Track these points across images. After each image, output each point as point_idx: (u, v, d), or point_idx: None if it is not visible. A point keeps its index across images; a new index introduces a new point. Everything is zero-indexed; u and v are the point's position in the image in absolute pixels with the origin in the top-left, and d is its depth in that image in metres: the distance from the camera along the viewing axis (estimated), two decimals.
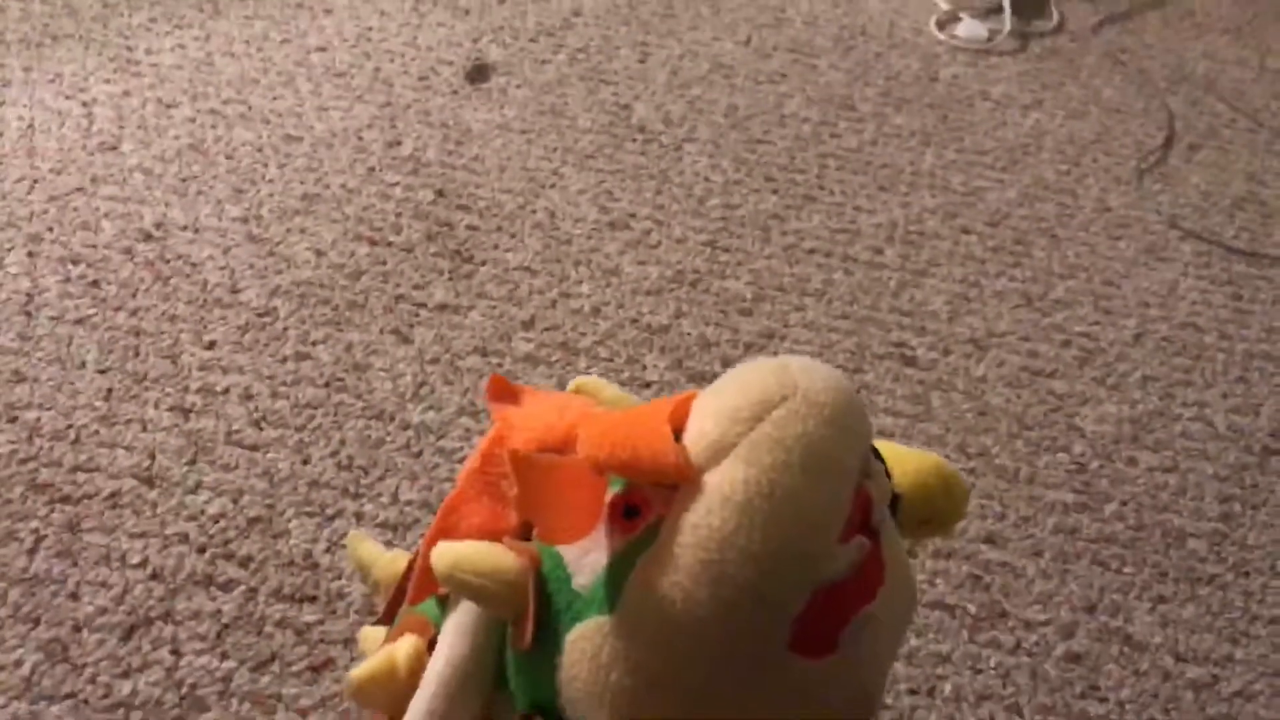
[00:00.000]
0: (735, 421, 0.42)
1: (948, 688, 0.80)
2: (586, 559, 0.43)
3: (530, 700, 0.46)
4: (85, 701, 0.72)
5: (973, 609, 0.85)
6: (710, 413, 0.43)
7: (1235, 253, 1.25)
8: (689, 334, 1.04)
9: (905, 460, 0.60)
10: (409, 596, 0.53)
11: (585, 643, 0.43)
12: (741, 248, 1.15)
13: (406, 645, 0.51)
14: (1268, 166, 1.38)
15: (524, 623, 0.45)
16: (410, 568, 0.53)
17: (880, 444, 0.60)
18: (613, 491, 0.43)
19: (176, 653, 0.75)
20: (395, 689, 0.50)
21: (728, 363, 1.01)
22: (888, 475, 0.57)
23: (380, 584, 0.61)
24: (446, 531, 0.49)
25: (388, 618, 0.54)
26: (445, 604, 0.51)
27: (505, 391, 0.48)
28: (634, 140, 1.26)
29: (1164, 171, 1.36)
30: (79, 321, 0.95)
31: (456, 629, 0.48)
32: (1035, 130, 1.38)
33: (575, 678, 0.44)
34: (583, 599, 0.43)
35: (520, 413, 0.46)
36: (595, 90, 1.33)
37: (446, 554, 0.45)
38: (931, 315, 1.10)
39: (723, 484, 0.40)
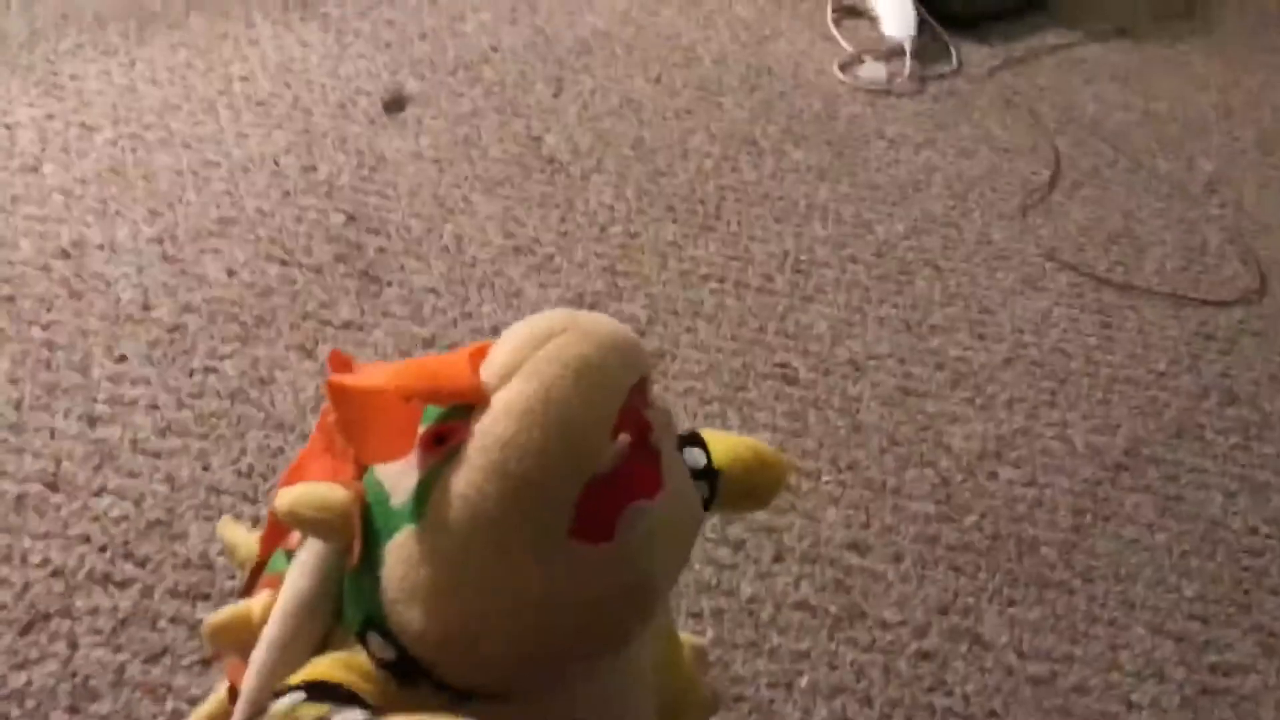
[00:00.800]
0: (520, 348, 0.49)
1: (804, 681, 0.86)
2: (403, 481, 0.50)
3: (363, 617, 0.52)
4: None
5: (833, 609, 0.91)
6: (501, 345, 0.50)
7: (1107, 284, 1.33)
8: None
9: (724, 441, 0.68)
10: (260, 552, 0.58)
11: (400, 550, 0.50)
12: (640, 273, 1.21)
13: (262, 595, 0.57)
14: (1144, 204, 1.47)
15: (352, 544, 0.51)
16: (264, 534, 0.59)
17: (705, 431, 0.68)
18: (425, 424, 0.50)
19: (73, 646, 0.79)
20: (249, 634, 0.55)
21: None
22: (706, 453, 0.65)
23: (246, 563, 0.66)
24: (293, 484, 0.55)
25: (249, 589, 0.59)
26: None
27: (343, 365, 0.54)
28: (543, 170, 1.32)
29: (1047, 207, 1.44)
30: None
31: (299, 567, 0.54)
32: (926, 167, 1.46)
33: (392, 582, 0.50)
34: (398, 514, 0.50)
35: (353, 376, 0.52)
36: (508, 122, 1.39)
37: (285, 495, 0.51)
38: (815, 338, 1.17)
39: (507, 397, 0.48)
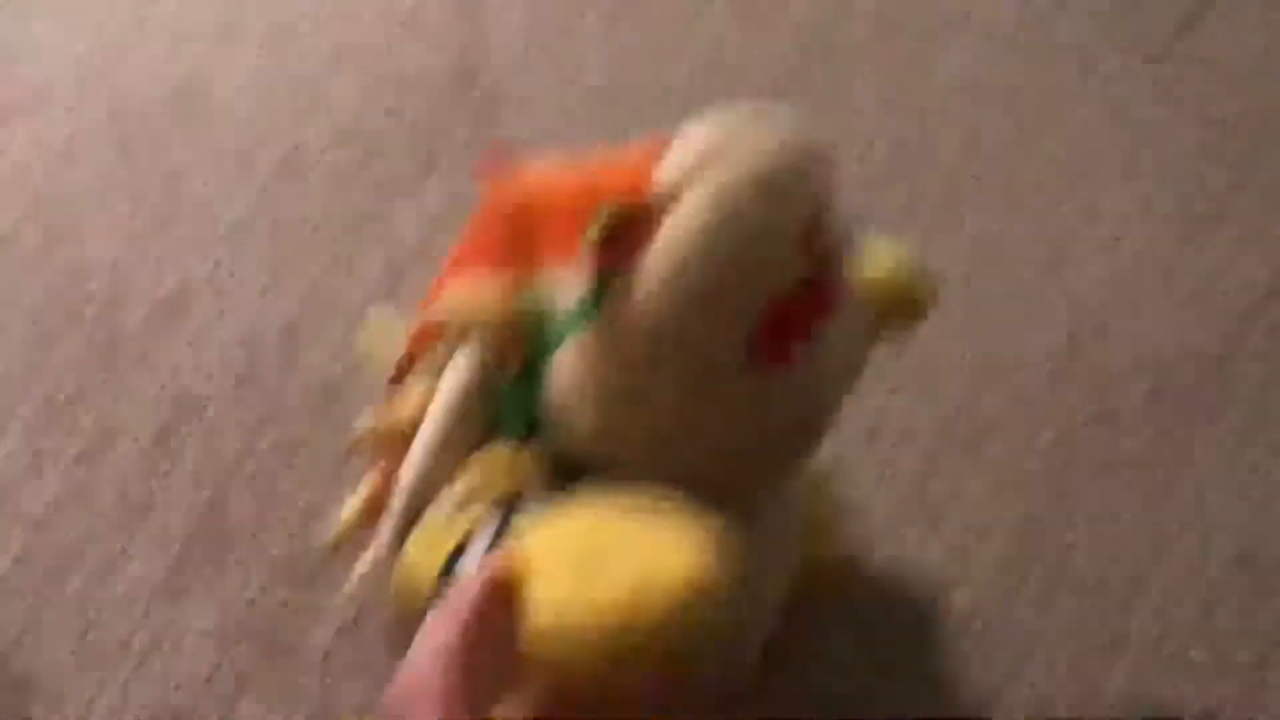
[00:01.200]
0: (701, 155, 0.46)
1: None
2: (572, 286, 0.48)
3: (523, 425, 0.52)
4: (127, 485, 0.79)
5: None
6: (678, 150, 0.47)
7: None
8: None
9: (878, 251, 0.64)
10: (410, 349, 0.58)
11: (569, 358, 0.48)
12: None
13: (411, 397, 0.56)
14: None
15: (514, 352, 0.50)
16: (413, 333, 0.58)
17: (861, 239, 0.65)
18: (592, 230, 0.47)
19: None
20: (399, 435, 0.55)
21: None
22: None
23: (389, 363, 0.65)
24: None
25: (398, 378, 0.59)
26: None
27: (504, 159, 0.52)
28: None
29: None
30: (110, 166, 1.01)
31: (453, 374, 0.53)
32: None
33: (561, 388, 0.49)
34: (565, 325, 0.48)
35: (514, 174, 0.51)
36: None
37: (444, 300, 0.51)
38: None
39: (686, 212, 0.45)
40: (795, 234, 0.46)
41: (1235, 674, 0.78)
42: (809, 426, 0.50)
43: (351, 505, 0.62)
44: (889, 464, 0.87)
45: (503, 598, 0.40)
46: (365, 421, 0.57)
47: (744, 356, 0.46)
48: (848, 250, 0.52)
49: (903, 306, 0.66)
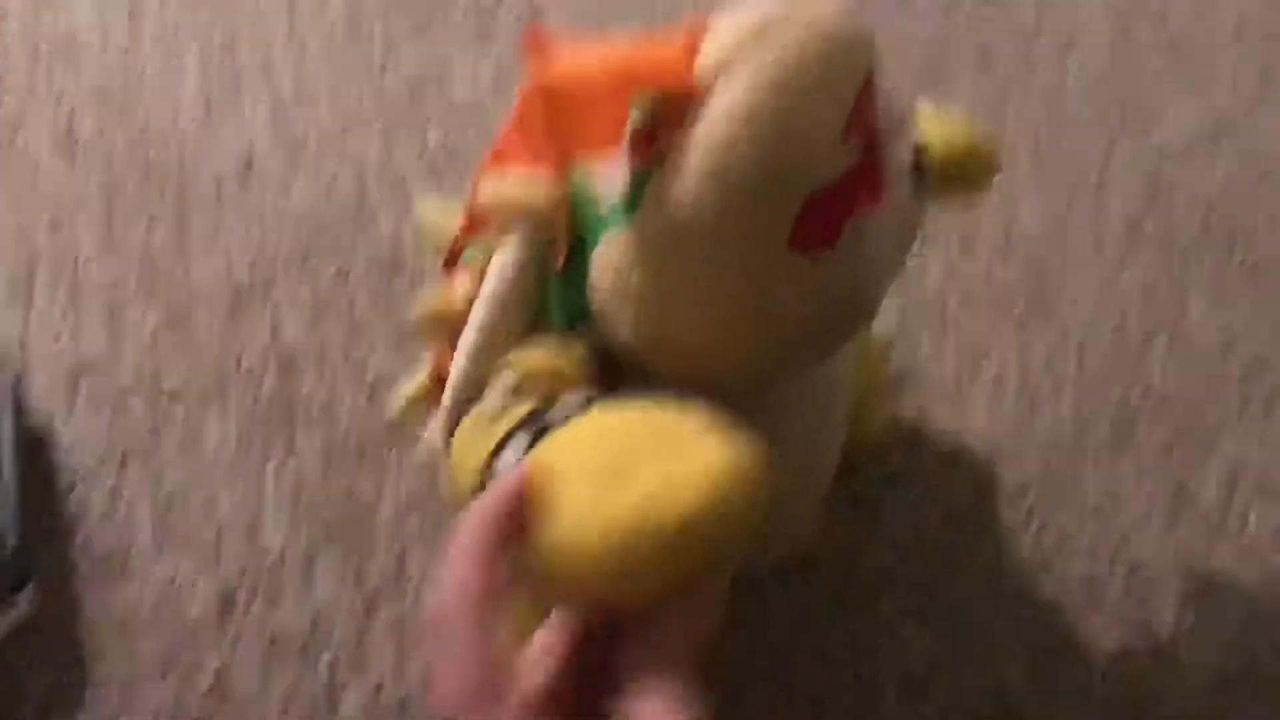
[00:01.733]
0: (740, 38, 0.44)
1: (993, 369, 0.84)
2: (611, 180, 0.47)
3: (568, 318, 0.52)
4: (202, 362, 0.81)
5: (1023, 301, 0.88)
6: (716, 34, 0.45)
7: None
8: None
9: (936, 121, 0.62)
10: (461, 234, 0.58)
11: (609, 254, 0.48)
12: None
13: (463, 282, 0.56)
14: None
15: (559, 243, 0.50)
16: (466, 220, 0.59)
17: (917, 109, 0.63)
18: (636, 121, 0.46)
19: (277, 324, 0.83)
20: (454, 319, 0.56)
21: None
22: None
23: (443, 246, 0.66)
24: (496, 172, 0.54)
25: (451, 263, 0.60)
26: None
27: (542, 43, 0.51)
28: None
29: None
30: (179, 26, 1.01)
31: (502, 258, 0.53)
32: None
33: (601, 287, 0.49)
34: (607, 217, 0.48)
35: (557, 63, 0.49)
36: None
37: (489, 186, 0.50)
38: (1019, 9, 1.08)
39: (725, 99, 0.43)
40: (840, 118, 0.44)
41: None
42: (856, 308, 0.50)
43: (411, 385, 0.63)
44: (951, 328, 0.86)
45: (521, 510, 0.40)
46: (419, 306, 0.57)
47: (787, 242, 0.45)
48: (900, 131, 0.51)
49: (964, 176, 0.64)
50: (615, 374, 0.52)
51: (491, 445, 0.47)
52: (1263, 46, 1.07)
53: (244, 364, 0.82)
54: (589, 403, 0.48)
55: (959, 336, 0.86)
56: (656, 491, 0.38)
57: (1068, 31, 1.07)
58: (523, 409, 0.48)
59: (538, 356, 0.51)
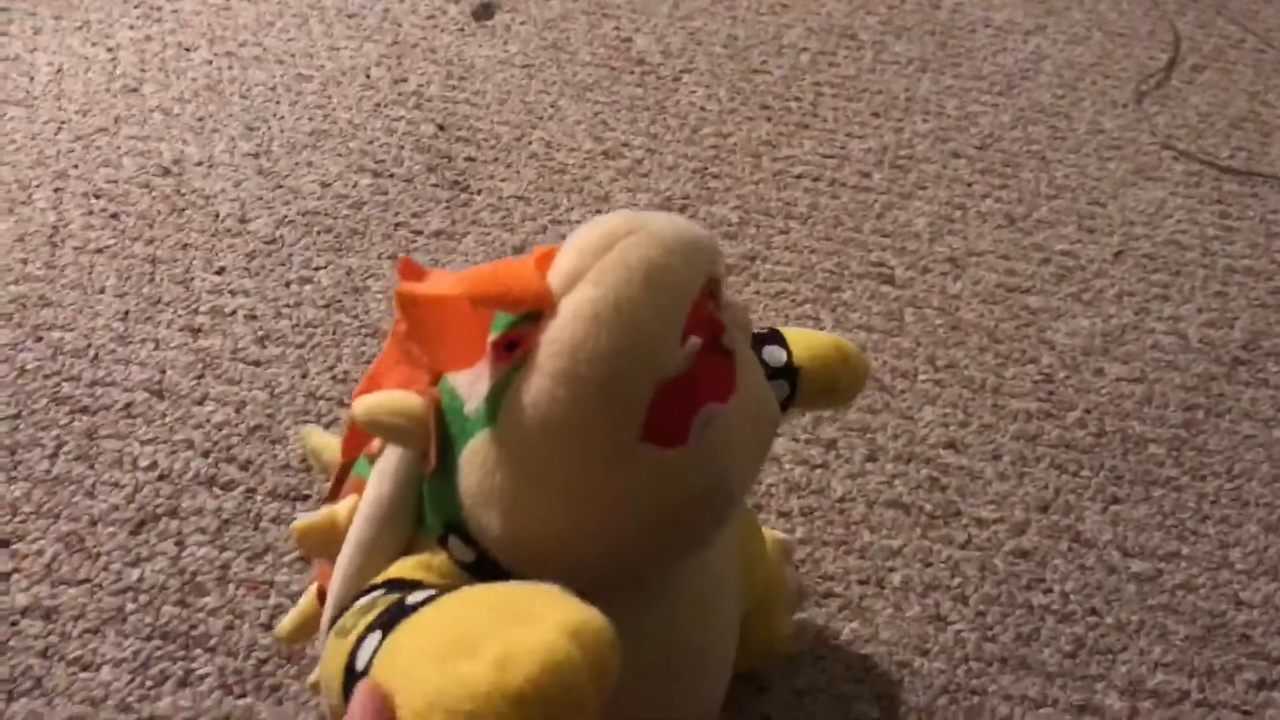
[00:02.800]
0: (586, 252, 0.48)
1: (897, 579, 0.85)
2: (475, 388, 0.50)
3: (443, 522, 0.53)
4: (99, 586, 0.80)
5: (928, 508, 0.90)
6: (567, 250, 0.49)
7: (1228, 172, 1.26)
8: None
9: (805, 338, 0.67)
10: (342, 456, 0.59)
11: (475, 456, 0.50)
12: (731, 174, 1.19)
13: (347, 501, 0.58)
14: (1272, 86, 1.39)
15: (428, 451, 0.51)
16: (345, 440, 0.60)
17: (786, 330, 0.67)
18: (495, 332, 0.49)
19: (180, 544, 0.82)
20: (334, 537, 0.56)
21: None
22: (787, 351, 0.66)
23: (330, 467, 0.67)
24: (369, 392, 0.55)
25: (334, 494, 0.61)
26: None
27: (414, 272, 0.54)
28: (632, 72, 1.30)
29: (1164, 93, 1.37)
30: (99, 250, 1.03)
31: (380, 471, 0.55)
32: (1035, 55, 1.40)
33: (469, 488, 0.50)
34: (472, 421, 0.50)
35: (423, 285, 0.52)
36: (597, 24, 1.37)
37: (363, 402, 0.52)
38: (913, 236, 1.14)
39: (575, 302, 0.47)
40: (679, 318, 0.48)
41: None
42: (715, 497, 0.51)
43: (298, 607, 0.63)
44: (856, 536, 0.87)
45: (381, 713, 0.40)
46: (295, 525, 0.58)
47: (637, 436, 0.47)
48: (745, 330, 0.54)
49: (833, 387, 0.67)
50: (489, 581, 0.52)
51: (347, 652, 0.47)
52: (1141, 265, 1.13)
53: (145, 582, 0.80)
54: (438, 594, 0.48)
55: (864, 544, 0.87)
56: (504, 656, 0.39)
57: (962, 250, 1.12)
58: (375, 610, 0.48)
59: (404, 570, 0.52)
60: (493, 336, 0.49)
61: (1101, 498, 0.92)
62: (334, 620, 0.54)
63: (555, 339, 0.47)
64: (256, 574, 0.81)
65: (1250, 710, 0.80)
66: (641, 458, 0.48)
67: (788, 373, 0.66)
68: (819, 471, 0.91)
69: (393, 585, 0.52)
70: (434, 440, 0.51)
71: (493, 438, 0.49)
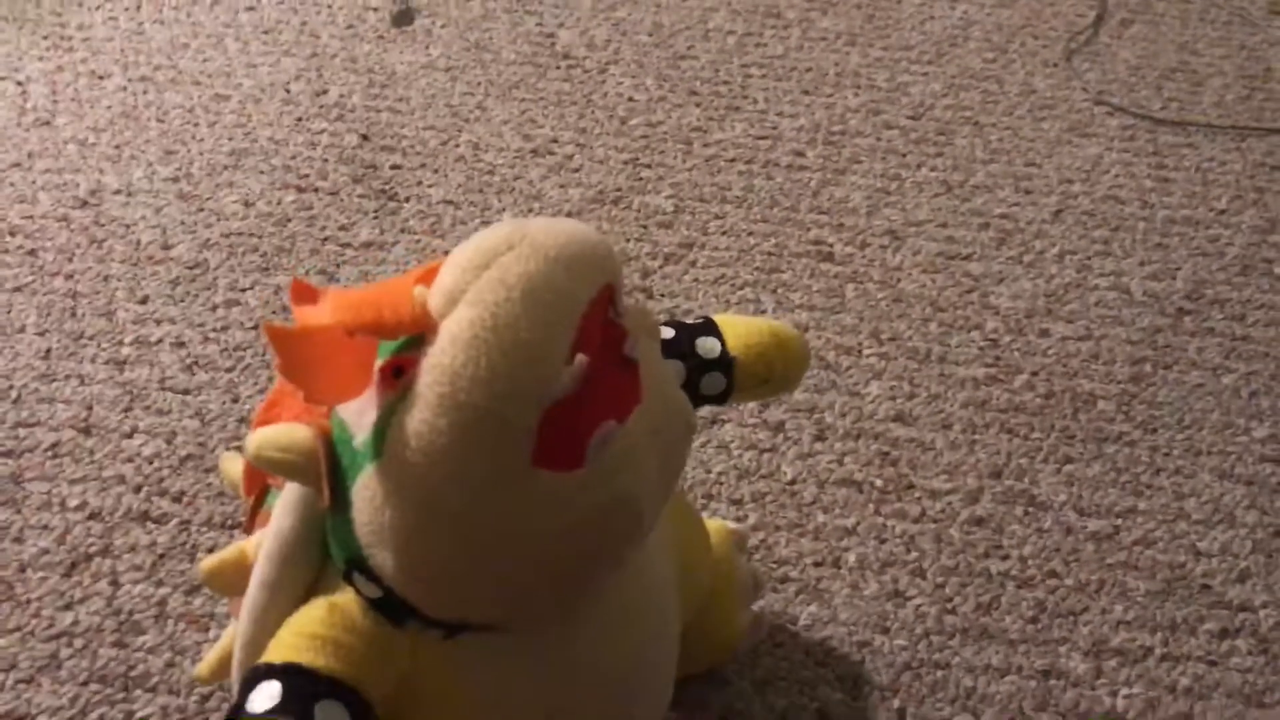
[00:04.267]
0: (466, 270, 0.45)
1: (852, 558, 0.83)
2: (363, 419, 0.47)
3: (345, 556, 0.51)
4: (31, 633, 0.77)
5: (880, 483, 0.88)
6: (446, 268, 0.46)
7: (1162, 124, 1.25)
8: None
9: (739, 327, 0.64)
10: (244, 493, 0.57)
11: (364, 491, 0.47)
12: (663, 163, 1.17)
13: (255, 536, 0.55)
14: (1200, 35, 1.39)
15: (320, 485, 0.49)
16: (244, 477, 0.58)
17: (719, 317, 0.65)
18: (381, 358, 0.47)
19: (115, 584, 0.80)
20: (245, 574, 0.54)
21: (647, 274, 1.04)
22: (721, 342, 0.63)
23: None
24: (264, 425, 0.53)
25: (249, 528, 0.58)
26: None
27: (306, 293, 0.51)
28: (558, 67, 1.28)
29: (1093, 50, 1.36)
30: (18, 289, 1.00)
31: (282, 507, 0.52)
32: (963, 21, 1.39)
33: (362, 523, 0.48)
34: (361, 454, 0.47)
35: (314, 309, 0.50)
36: (519, 21, 1.35)
37: (253, 439, 0.49)
38: (850, 211, 1.12)
39: (453, 325, 0.44)
40: (566, 335, 0.45)
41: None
42: (623, 518, 0.49)
43: (217, 645, 0.61)
44: (809, 518, 0.86)
45: None
46: (208, 562, 0.56)
47: (528, 462, 0.45)
48: (651, 333, 0.52)
49: (770, 375, 0.65)
50: (399, 619, 0.50)
51: None
52: (1081, 223, 1.12)
53: (80, 625, 0.78)
54: None
55: (818, 526, 0.85)
56: None
57: (900, 221, 1.11)
58: None
59: (303, 639, 0.50)
60: (379, 363, 0.46)
61: (1054, 459, 0.91)
62: (245, 663, 0.52)
63: (434, 365, 0.44)
64: (195, 608, 0.79)
65: (1215, 660, 0.79)
66: (534, 484, 0.45)
67: (723, 365, 0.63)
68: (768, 455, 0.90)
69: (289, 678, 0.49)
70: (324, 475, 0.48)
71: (379, 471, 0.46)
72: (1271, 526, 0.87)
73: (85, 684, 0.75)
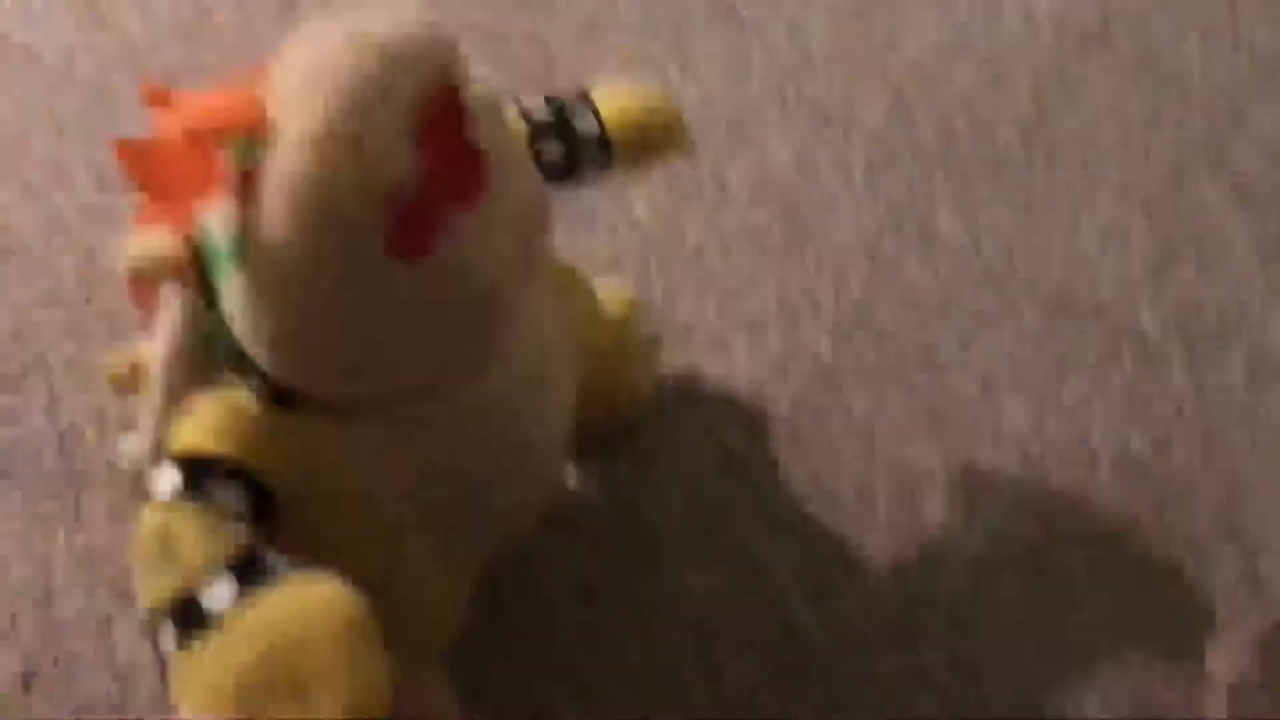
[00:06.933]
0: (299, 71, 0.47)
1: (754, 310, 0.86)
2: (222, 225, 0.49)
3: (229, 352, 0.54)
4: None
5: (781, 238, 0.90)
6: (281, 70, 0.48)
7: None
8: (520, 31, 1.06)
9: (612, 99, 0.66)
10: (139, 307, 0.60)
11: (234, 296, 0.50)
12: None
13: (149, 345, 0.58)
14: None
15: (192, 287, 0.52)
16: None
17: (596, 90, 0.66)
18: (226, 166, 0.48)
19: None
20: (143, 376, 0.58)
21: (551, 58, 1.04)
22: (598, 120, 0.64)
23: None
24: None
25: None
26: None
27: (159, 97, 0.53)
28: None
29: None
30: None
31: (167, 311, 0.55)
32: None
33: (237, 325, 0.51)
34: (225, 259, 0.50)
35: (167, 113, 0.51)
36: None
37: (128, 250, 0.52)
38: None
39: (290, 130, 0.46)
40: (403, 126, 0.46)
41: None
42: (481, 301, 0.51)
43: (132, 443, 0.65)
44: (711, 276, 0.88)
45: None
46: (106, 365, 0.59)
47: (381, 253, 0.47)
48: (497, 120, 0.53)
49: (647, 144, 0.67)
50: (289, 404, 0.54)
51: (181, 582, 0.49)
52: None
53: (23, 440, 0.82)
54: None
55: (719, 284, 0.88)
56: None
57: None
58: (219, 546, 0.50)
59: (202, 430, 0.53)
60: (227, 171, 0.48)
61: (952, 195, 0.92)
62: (152, 460, 0.56)
63: (277, 170, 0.46)
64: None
65: (1100, 378, 0.82)
66: (389, 274, 0.48)
67: (602, 143, 0.65)
68: (672, 221, 0.92)
69: (191, 467, 0.53)
70: (193, 280, 0.51)
71: (242, 276, 0.49)
72: (1164, 241, 0.89)
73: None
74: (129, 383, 0.60)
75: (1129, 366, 0.83)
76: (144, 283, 0.60)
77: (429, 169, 0.47)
